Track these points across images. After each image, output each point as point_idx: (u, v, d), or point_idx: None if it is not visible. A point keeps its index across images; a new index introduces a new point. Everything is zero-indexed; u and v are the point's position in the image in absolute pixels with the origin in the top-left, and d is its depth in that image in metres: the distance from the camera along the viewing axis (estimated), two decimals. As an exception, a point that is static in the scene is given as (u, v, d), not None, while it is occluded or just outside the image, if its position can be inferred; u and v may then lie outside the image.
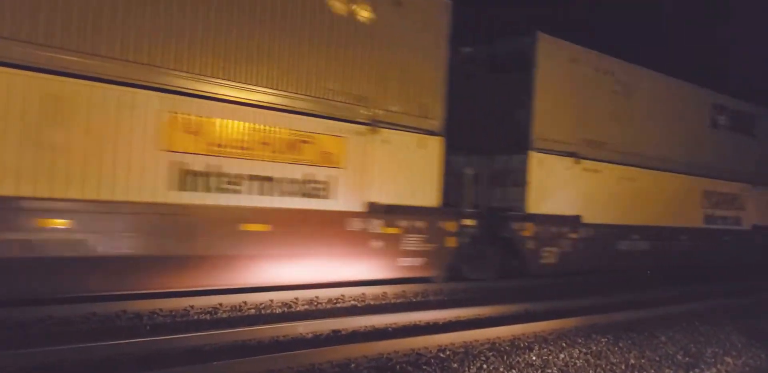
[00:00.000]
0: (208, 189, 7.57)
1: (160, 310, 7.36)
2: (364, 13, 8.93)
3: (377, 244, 9.08)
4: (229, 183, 7.74)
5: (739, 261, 16.52)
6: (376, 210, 9.02)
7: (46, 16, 6.44)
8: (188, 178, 7.41)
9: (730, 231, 16.31)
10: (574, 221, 11.98)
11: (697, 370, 6.40)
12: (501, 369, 5.86)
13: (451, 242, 9.99)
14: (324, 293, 8.84)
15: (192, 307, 7.63)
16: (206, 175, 7.55)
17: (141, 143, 7.07)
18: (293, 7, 8.21)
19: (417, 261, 9.56)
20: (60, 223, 6.50)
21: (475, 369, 5.80)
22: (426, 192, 9.74)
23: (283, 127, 8.18)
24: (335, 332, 6.90)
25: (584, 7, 23.59)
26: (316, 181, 8.50)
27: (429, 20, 9.78)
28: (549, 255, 11.55)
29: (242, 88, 7.81)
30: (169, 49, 7.27)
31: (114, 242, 6.86)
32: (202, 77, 7.50)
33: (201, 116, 7.51)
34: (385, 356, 5.99)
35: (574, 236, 11.97)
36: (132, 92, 7.00)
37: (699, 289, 12.34)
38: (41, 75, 6.43)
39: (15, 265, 6.33)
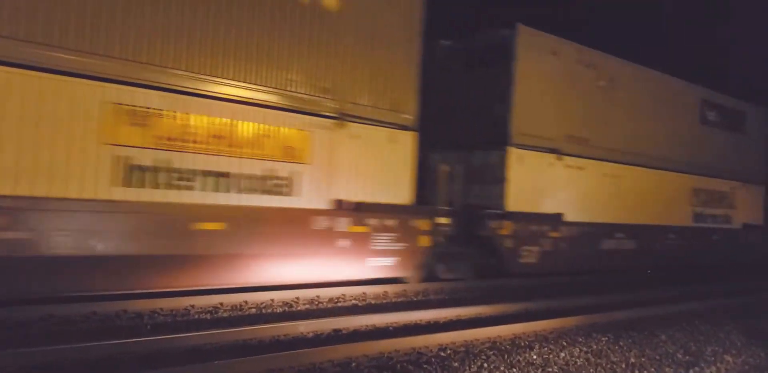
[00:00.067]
0: (156, 185, 7.20)
1: (161, 309, 7.37)
2: (329, 1, 8.60)
3: (344, 243, 8.72)
4: (180, 179, 7.37)
5: (729, 261, 16.28)
6: (343, 208, 8.71)
7: None
8: (134, 174, 7.05)
9: (720, 230, 16.06)
10: (555, 219, 11.77)
11: (697, 368, 6.41)
12: (502, 368, 5.86)
13: (425, 241, 9.68)
14: (325, 293, 8.84)
15: (193, 306, 7.63)
16: (154, 170, 7.19)
17: (81, 136, 6.69)
18: None
19: (388, 261, 9.24)
20: None
21: (475, 368, 5.80)
22: (398, 189, 9.45)
23: (241, 119, 7.83)
24: (336, 331, 6.91)
25: (584, 7, 23.60)
26: (277, 178, 8.16)
27: (401, 10, 9.48)
28: (529, 254, 11.34)
29: (194, 79, 7.45)
30: (113, 34, 6.87)
31: (51, 241, 6.47)
32: (149, 66, 7.11)
33: (148, 108, 7.13)
34: (386, 355, 6.00)
35: (555, 234, 11.75)
36: (70, 82, 6.63)
37: (698, 289, 12.31)
38: None
39: None
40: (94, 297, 7.09)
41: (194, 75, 7.47)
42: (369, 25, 9.07)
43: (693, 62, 23.05)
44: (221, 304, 7.83)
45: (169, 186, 7.30)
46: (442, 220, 10.13)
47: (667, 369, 6.31)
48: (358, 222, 8.88)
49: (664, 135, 14.32)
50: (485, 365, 5.90)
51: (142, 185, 7.11)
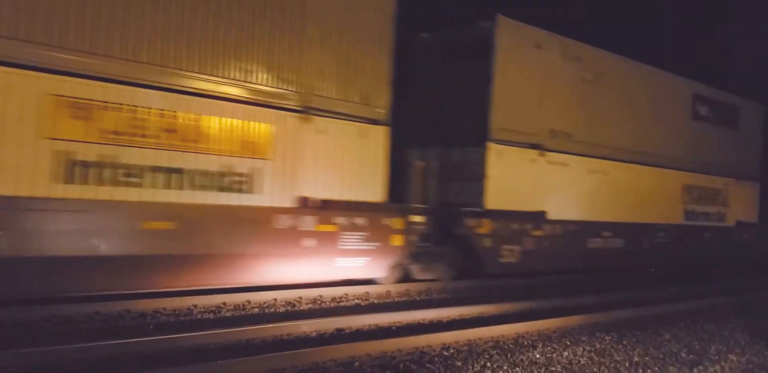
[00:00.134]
0: (100, 182, 6.80)
1: (164, 309, 7.37)
2: None
3: (310, 243, 8.34)
4: (127, 175, 6.97)
5: (723, 259, 15.95)
6: (308, 206, 8.33)
7: None
8: (76, 170, 6.65)
9: (712, 228, 15.69)
10: (538, 218, 11.40)
11: (701, 367, 6.38)
12: (505, 367, 5.84)
13: (398, 241, 9.28)
14: (328, 292, 8.84)
15: (195, 306, 7.63)
16: (99, 166, 6.79)
17: (17, 130, 6.31)
18: None
19: (359, 262, 8.86)
20: None
21: (479, 367, 5.79)
22: (368, 186, 9.04)
23: (194, 112, 7.43)
24: (339, 330, 6.90)
25: (584, 7, 23.60)
26: (236, 174, 7.76)
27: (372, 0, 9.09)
28: (509, 254, 10.96)
29: (140, 69, 7.02)
30: (53, 22, 6.48)
31: None
32: (93, 55, 6.72)
33: (92, 100, 6.73)
34: (388, 354, 5.98)
35: (538, 233, 11.39)
36: (5, 72, 6.26)
37: (696, 288, 12.24)
38: None
39: None
40: (98, 297, 7.08)
41: (140, 65, 7.05)
42: (337, 12, 8.68)
43: (693, 62, 23.04)
44: (224, 303, 7.83)
45: (116, 183, 6.91)
46: (417, 218, 9.74)
47: (671, 368, 6.29)
48: (325, 221, 8.51)
49: (654, 130, 13.93)
50: (488, 364, 5.88)
51: (85, 182, 6.72)
